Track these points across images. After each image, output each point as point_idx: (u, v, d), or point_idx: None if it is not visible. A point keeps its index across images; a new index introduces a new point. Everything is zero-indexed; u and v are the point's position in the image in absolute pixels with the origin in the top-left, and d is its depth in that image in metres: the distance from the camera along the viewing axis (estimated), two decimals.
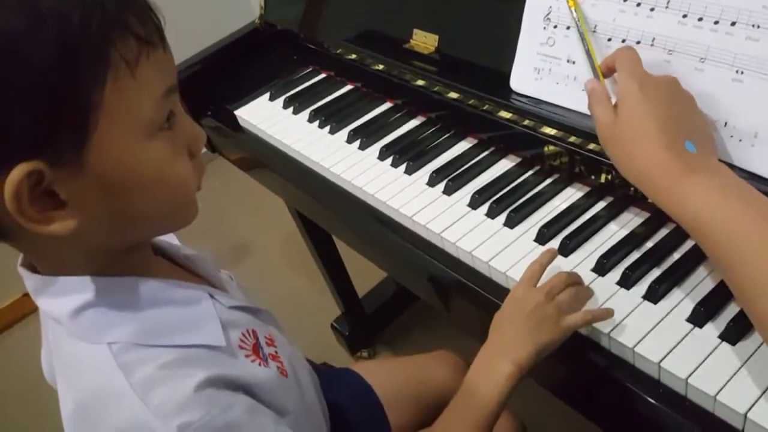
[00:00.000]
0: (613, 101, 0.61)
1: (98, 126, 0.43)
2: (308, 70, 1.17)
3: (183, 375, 0.48)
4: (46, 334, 0.59)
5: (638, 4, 0.68)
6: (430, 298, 0.84)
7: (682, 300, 0.63)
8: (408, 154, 0.90)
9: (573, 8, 0.72)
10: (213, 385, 0.48)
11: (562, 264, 0.70)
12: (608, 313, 0.62)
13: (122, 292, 0.50)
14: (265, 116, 1.08)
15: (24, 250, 0.51)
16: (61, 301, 0.50)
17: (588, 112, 0.64)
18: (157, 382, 0.47)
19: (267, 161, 1.05)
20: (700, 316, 0.60)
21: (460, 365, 0.95)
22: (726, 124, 0.62)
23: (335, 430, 0.75)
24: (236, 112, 1.11)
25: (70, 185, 0.43)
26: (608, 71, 0.66)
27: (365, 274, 1.48)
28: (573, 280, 0.65)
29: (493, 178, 0.83)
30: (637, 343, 0.60)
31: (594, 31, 0.72)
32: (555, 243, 0.72)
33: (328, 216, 1.01)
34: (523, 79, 0.81)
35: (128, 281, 0.51)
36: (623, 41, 0.70)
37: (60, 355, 0.53)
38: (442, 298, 0.81)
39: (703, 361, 0.57)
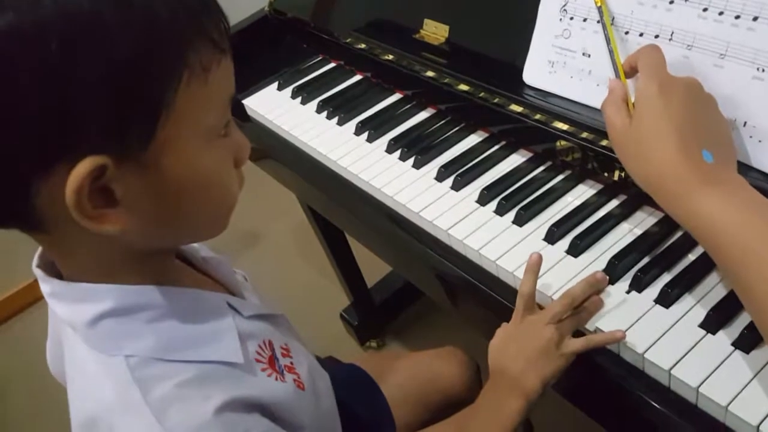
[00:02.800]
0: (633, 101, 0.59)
1: (165, 126, 0.42)
2: (318, 59, 1.15)
3: (201, 396, 0.47)
4: (53, 328, 0.59)
5: None
6: (437, 296, 0.83)
7: (694, 305, 0.61)
8: (416, 147, 0.88)
9: (599, 5, 0.69)
10: (230, 407, 0.47)
11: (571, 265, 0.68)
12: (613, 337, 0.59)
13: (141, 302, 0.49)
14: (273, 106, 1.06)
15: (53, 248, 0.49)
16: (80, 308, 0.48)
17: None
18: (175, 402, 0.46)
19: (274, 152, 1.03)
20: (713, 322, 0.58)
21: (467, 362, 0.93)
22: (745, 123, 0.60)
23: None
24: (244, 102, 1.09)
25: (127, 184, 0.43)
26: (631, 71, 0.63)
27: (375, 265, 1.46)
28: (579, 300, 0.62)
29: (502, 173, 0.81)
30: (648, 348, 0.58)
31: (611, 24, 0.70)
32: (565, 243, 0.70)
33: (335, 209, 1.00)
34: (537, 72, 0.78)
35: (148, 291, 0.50)
36: (641, 35, 0.67)
37: (73, 361, 0.52)
38: (449, 296, 0.80)
39: (715, 370, 0.55)
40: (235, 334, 0.53)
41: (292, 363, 0.58)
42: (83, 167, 0.40)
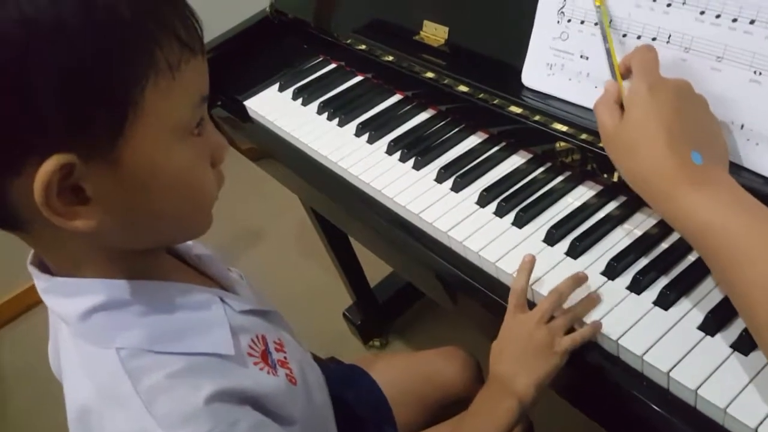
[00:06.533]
0: None
1: (133, 124, 0.43)
2: (318, 60, 1.15)
3: (191, 386, 0.48)
4: (55, 330, 0.59)
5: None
6: (438, 296, 0.83)
7: (693, 307, 0.61)
8: (416, 148, 0.88)
9: (599, 5, 0.69)
10: (220, 398, 0.48)
11: (570, 266, 0.68)
12: (595, 327, 0.61)
13: (133, 295, 0.50)
14: (274, 107, 1.07)
15: (37, 246, 0.50)
16: (72, 302, 0.49)
17: None
18: (164, 392, 0.47)
19: (276, 153, 1.04)
20: (711, 325, 0.58)
21: (468, 362, 0.94)
22: (743, 126, 0.60)
23: (340, 428, 0.74)
24: (246, 103, 1.10)
25: (97, 182, 0.43)
26: (627, 72, 0.63)
27: (377, 264, 1.47)
28: (566, 296, 0.63)
29: (502, 175, 0.81)
30: (646, 351, 0.58)
31: (609, 26, 0.70)
32: (564, 244, 0.70)
33: (335, 210, 1.00)
34: (535, 74, 0.78)
35: (140, 285, 0.50)
36: (638, 38, 0.68)
37: (67, 356, 0.53)
38: (450, 297, 0.80)
39: (714, 372, 0.55)
40: (226, 326, 0.54)
41: (285, 358, 0.59)
42: (50, 165, 0.40)
